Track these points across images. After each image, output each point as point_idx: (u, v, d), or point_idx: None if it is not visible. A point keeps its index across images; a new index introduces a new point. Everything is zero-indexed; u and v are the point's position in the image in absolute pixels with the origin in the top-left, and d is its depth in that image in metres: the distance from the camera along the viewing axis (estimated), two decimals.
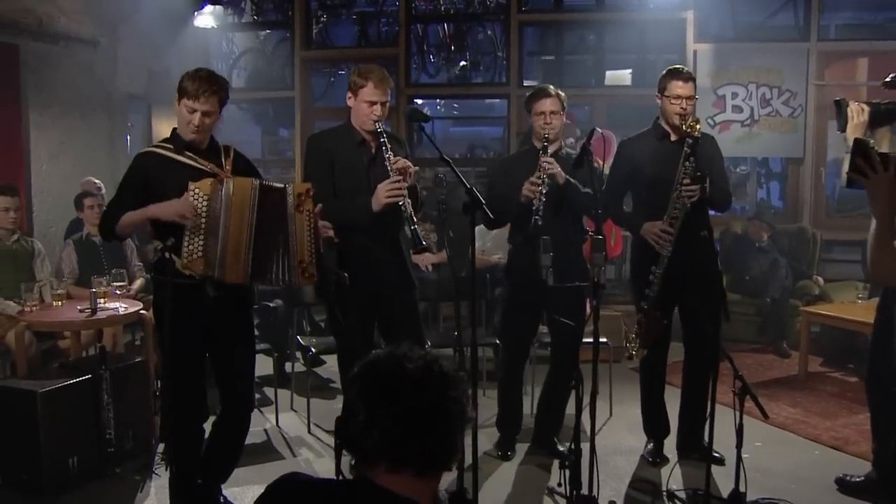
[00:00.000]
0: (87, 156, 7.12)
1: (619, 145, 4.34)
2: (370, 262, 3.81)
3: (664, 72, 4.08)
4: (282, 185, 3.37)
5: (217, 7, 8.16)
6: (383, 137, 3.70)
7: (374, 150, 3.82)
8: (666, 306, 4.05)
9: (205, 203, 3.20)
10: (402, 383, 1.50)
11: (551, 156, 3.99)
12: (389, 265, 3.88)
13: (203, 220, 3.20)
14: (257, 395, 5.36)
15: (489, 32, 8.62)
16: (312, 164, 3.89)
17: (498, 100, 9.69)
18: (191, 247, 3.21)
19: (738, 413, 3.19)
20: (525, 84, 8.31)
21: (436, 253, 6.62)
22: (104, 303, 4.48)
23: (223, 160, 3.40)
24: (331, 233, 3.49)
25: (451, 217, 6.68)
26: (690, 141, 3.87)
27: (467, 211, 3.19)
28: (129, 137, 9.18)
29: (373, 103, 3.72)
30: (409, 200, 3.65)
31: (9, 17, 6.29)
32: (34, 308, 4.47)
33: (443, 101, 12.06)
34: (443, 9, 8.70)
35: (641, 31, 8.13)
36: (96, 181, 6.56)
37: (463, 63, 8.79)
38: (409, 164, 3.74)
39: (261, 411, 5.12)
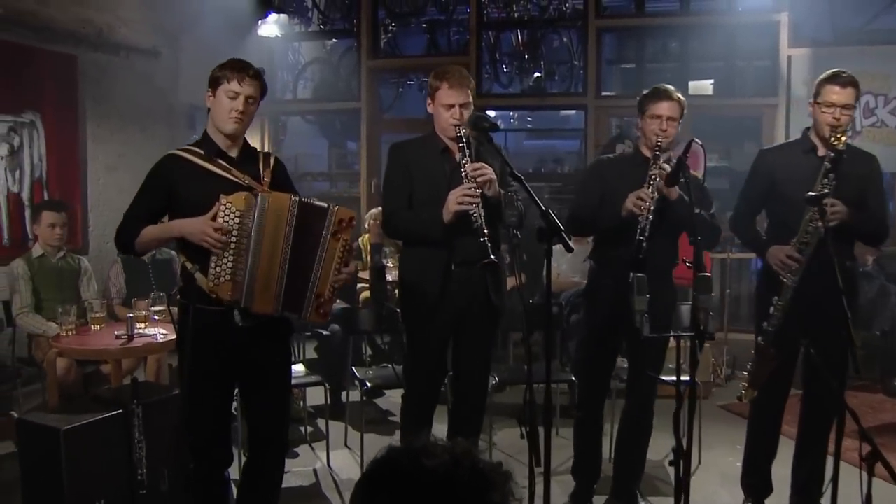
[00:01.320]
0: (145, 169, 6.77)
1: (758, 155, 3.82)
2: (449, 286, 3.46)
3: (821, 77, 3.55)
4: (324, 206, 2.97)
5: (281, 16, 7.88)
6: (463, 142, 3.34)
7: (458, 159, 3.45)
8: (785, 345, 3.49)
9: (237, 220, 2.82)
10: (421, 488, 1.07)
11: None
12: (472, 290, 3.49)
13: (234, 239, 2.82)
14: (309, 429, 4.99)
15: (565, 40, 8.14)
16: (390, 172, 3.64)
17: (574, 111, 9.16)
18: (218, 268, 2.83)
19: (865, 480, 2.64)
20: (603, 94, 7.80)
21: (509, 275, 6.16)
22: (144, 328, 4.16)
23: (261, 169, 3.02)
24: (344, 276, 3.07)
25: (525, 238, 6.26)
26: (833, 155, 3.32)
27: (542, 238, 2.73)
28: None
29: (450, 106, 3.42)
30: (482, 210, 3.27)
31: (68, 28, 6.13)
32: (70, 332, 4.18)
33: (516, 113, 11.63)
34: (516, 15, 8.24)
35: (730, 35, 7.53)
36: None
37: (538, 75, 8.32)
38: (488, 168, 3.33)
39: (311, 447, 4.74)
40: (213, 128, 2.97)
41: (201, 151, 2.95)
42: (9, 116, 5.65)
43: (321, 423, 5.00)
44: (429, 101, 3.54)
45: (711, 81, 7.97)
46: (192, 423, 2.94)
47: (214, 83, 2.94)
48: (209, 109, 2.97)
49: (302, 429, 4.98)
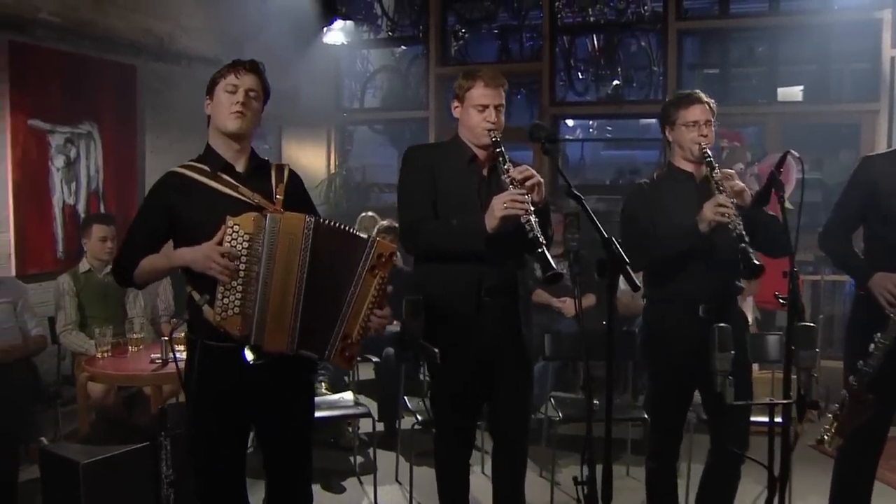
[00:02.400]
0: None
1: (861, 162, 3.33)
2: (478, 323, 3.07)
3: None
4: (363, 237, 2.63)
5: (347, 22, 7.68)
6: (500, 147, 2.95)
7: (486, 171, 3.10)
8: (885, 391, 3.02)
9: (245, 245, 2.48)
10: None
11: (702, 181, 3.15)
12: (506, 321, 3.12)
13: (243, 266, 2.49)
14: (360, 459, 4.69)
15: (643, 44, 7.68)
16: (410, 178, 3.19)
17: (654, 120, 8.65)
18: (226, 300, 2.48)
19: None
20: None
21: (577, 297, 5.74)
22: (183, 351, 3.92)
23: (273, 185, 2.68)
24: (379, 320, 2.71)
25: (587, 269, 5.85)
26: None
27: (604, 272, 2.35)
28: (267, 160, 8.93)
29: (484, 107, 3.04)
30: (534, 218, 2.84)
31: (128, 37, 6.03)
32: (106, 354, 3.98)
33: (595, 122, 11.16)
34: (591, 19, 7.82)
35: (824, 36, 6.95)
36: None
37: (616, 82, 7.88)
38: (534, 172, 2.95)
39: (360, 481, 4.44)
40: (216, 137, 2.66)
41: (206, 168, 2.64)
42: (66, 127, 5.56)
43: (373, 452, 4.69)
44: (454, 104, 3.16)
45: (801, 87, 7.40)
46: (200, 470, 2.66)
47: (211, 87, 2.65)
48: (209, 119, 2.67)
49: (351, 458, 4.69)
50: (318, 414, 4.16)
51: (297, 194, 2.77)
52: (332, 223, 2.62)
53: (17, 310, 4.45)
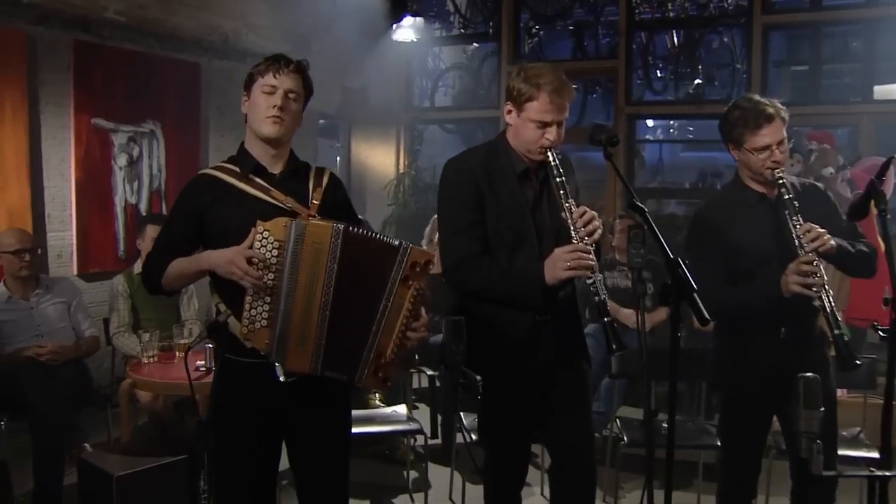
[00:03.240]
0: None
1: None
2: (531, 344, 2.72)
3: None
4: (394, 243, 2.40)
5: (417, 19, 7.47)
6: (557, 172, 2.58)
7: (538, 184, 2.73)
8: None
9: (275, 252, 2.31)
10: None
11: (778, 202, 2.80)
12: (560, 345, 2.77)
13: (272, 275, 2.32)
14: (414, 475, 4.49)
15: (726, 40, 7.25)
16: (453, 201, 2.72)
17: None
18: (254, 311, 2.31)
19: None
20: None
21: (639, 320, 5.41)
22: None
23: (310, 189, 2.50)
24: (418, 334, 2.48)
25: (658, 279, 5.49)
26: None
27: (667, 298, 2.08)
28: (338, 158, 8.85)
29: (545, 124, 2.60)
30: (600, 276, 2.53)
31: (193, 35, 5.97)
32: (152, 359, 3.88)
33: (676, 123, 10.71)
34: (671, 15, 7.44)
35: None
36: None
37: (698, 81, 7.46)
38: (594, 216, 2.59)
39: (412, 499, 4.23)
40: (251, 139, 2.49)
41: (236, 169, 2.47)
42: (129, 126, 5.53)
43: (426, 468, 4.49)
44: (508, 106, 2.69)
45: None
46: (222, 493, 2.49)
47: (248, 83, 2.48)
48: (245, 117, 2.50)
49: (405, 473, 4.49)
50: (368, 429, 4.05)
51: (337, 200, 2.58)
52: (363, 231, 2.40)
53: (70, 310, 4.41)
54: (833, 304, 2.63)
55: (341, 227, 2.35)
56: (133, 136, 5.55)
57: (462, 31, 8.42)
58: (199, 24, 6.03)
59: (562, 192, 2.58)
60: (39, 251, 4.48)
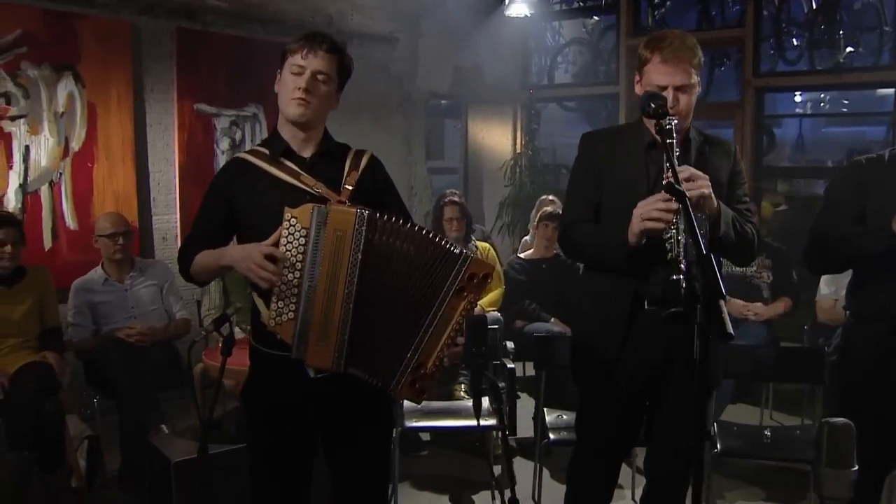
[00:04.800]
0: None
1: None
2: (636, 332, 2.57)
3: None
4: (456, 252, 2.20)
5: None
6: (671, 138, 2.34)
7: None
8: None
9: (302, 241, 2.20)
10: None
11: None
12: (672, 341, 2.54)
13: (298, 272, 2.20)
14: (499, 470, 4.31)
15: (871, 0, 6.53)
16: (576, 172, 2.75)
17: (890, 90, 7.40)
18: (280, 302, 2.21)
19: None
20: None
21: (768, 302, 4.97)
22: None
23: (345, 173, 2.37)
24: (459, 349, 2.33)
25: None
26: None
27: (680, 316, 1.81)
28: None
29: (661, 88, 2.45)
30: (681, 235, 2.28)
31: (297, 18, 5.98)
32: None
33: (827, 96, 9.83)
34: None
35: None
36: None
37: (850, 49, 6.76)
38: (702, 177, 2.38)
39: (493, 496, 4.02)
40: (282, 120, 2.38)
41: (267, 152, 2.37)
42: (231, 111, 5.61)
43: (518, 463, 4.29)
44: (636, 77, 2.61)
45: None
46: (256, 488, 2.42)
47: (282, 60, 2.35)
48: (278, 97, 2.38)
49: (497, 468, 4.33)
50: (441, 423, 3.90)
51: (376, 186, 2.43)
52: (394, 219, 2.22)
53: (163, 293, 4.51)
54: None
55: (366, 212, 2.20)
56: (235, 119, 5.63)
57: (581, 3, 8.05)
58: (303, 7, 6.03)
59: (671, 157, 2.30)
60: (134, 235, 4.60)
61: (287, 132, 2.37)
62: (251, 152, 2.40)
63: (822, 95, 9.92)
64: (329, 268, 2.19)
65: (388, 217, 2.22)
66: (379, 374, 2.27)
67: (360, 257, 2.19)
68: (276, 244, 2.20)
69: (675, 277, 2.20)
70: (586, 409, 2.78)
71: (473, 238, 5.11)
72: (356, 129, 6.44)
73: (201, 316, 4.63)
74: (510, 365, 4.03)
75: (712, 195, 2.38)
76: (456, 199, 4.97)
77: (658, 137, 2.35)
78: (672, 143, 2.33)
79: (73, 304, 4.29)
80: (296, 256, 2.19)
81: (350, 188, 2.33)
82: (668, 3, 7.70)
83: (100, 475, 3.97)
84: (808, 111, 10.27)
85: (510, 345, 4.79)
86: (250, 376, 2.48)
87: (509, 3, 7.21)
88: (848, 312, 2.84)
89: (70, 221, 4.83)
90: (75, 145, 4.84)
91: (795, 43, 7.06)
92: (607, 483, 2.81)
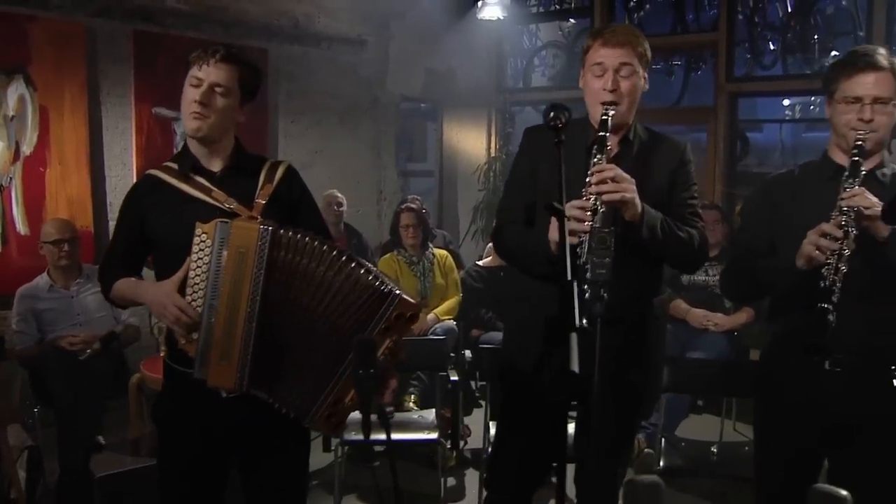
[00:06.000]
0: (344, 165, 6.57)
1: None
2: (559, 358, 2.35)
3: None
4: (384, 288, 2.11)
5: None
6: (605, 130, 2.24)
7: (613, 159, 2.35)
8: None
9: (207, 258, 2.14)
10: None
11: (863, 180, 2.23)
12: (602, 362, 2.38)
13: (203, 283, 2.14)
14: (451, 482, 4.24)
15: (843, 2, 6.46)
16: (513, 169, 2.64)
17: None
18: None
19: None
20: None
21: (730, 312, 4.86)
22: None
23: (258, 186, 2.29)
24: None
25: None
26: None
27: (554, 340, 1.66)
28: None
29: (601, 70, 2.35)
30: (603, 262, 2.08)
31: (261, 21, 5.91)
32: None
33: (817, 100, 9.71)
34: None
35: None
36: (338, 195, 5.92)
37: (836, 54, 6.68)
38: (624, 178, 2.21)
39: None
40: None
41: (177, 168, 2.29)
42: None
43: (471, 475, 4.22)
44: (581, 71, 2.47)
45: None
46: None
47: (187, 70, 2.28)
48: None
49: (450, 479, 4.25)
50: (384, 437, 3.81)
51: (292, 199, 2.36)
52: (306, 238, 2.14)
53: None
54: (837, 279, 2.10)
55: (270, 228, 2.13)
56: None
57: (557, 6, 7.98)
58: (267, 10, 5.97)
59: (599, 151, 2.23)
60: (81, 241, 4.52)
61: (194, 146, 2.30)
62: (162, 168, 2.34)
63: (813, 99, 9.82)
64: (231, 286, 2.12)
65: (294, 234, 2.15)
66: (291, 404, 2.19)
67: (262, 275, 2.13)
68: (186, 278, 2.16)
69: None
70: (502, 430, 2.66)
71: (431, 245, 5.04)
72: (322, 134, 6.40)
73: (151, 324, 4.56)
74: (453, 378, 3.95)
75: (635, 200, 2.23)
76: (413, 205, 4.90)
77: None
78: (604, 136, 2.24)
79: (17, 312, 4.23)
80: (200, 276, 2.14)
81: (262, 202, 2.26)
82: (647, 6, 7.62)
83: (40, 486, 3.89)
84: (798, 115, 10.18)
85: (468, 354, 4.73)
86: (163, 395, 2.42)
87: (482, 6, 7.14)
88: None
89: (21, 227, 4.77)
90: (26, 149, 4.78)
91: (772, 47, 6.99)
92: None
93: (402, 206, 4.91)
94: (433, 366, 4.02)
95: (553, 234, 2.24)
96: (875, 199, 2.15)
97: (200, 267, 2.14)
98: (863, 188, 2.16)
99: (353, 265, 2.13)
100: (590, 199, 2.19)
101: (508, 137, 8.02)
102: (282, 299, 2.14)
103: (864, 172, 2.19)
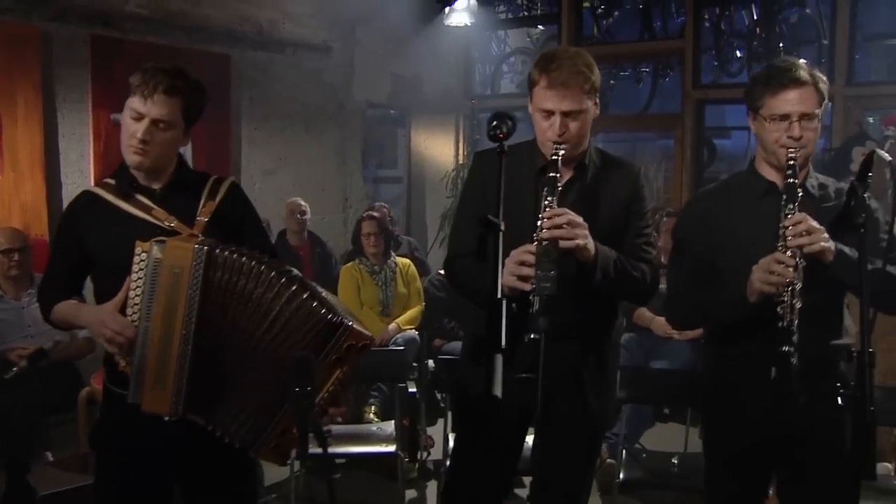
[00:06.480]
0: (309, 172, 6.50)
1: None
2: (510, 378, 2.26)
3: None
4: (335, 320, 2.05)
5: (472, 2, 7.07)
6: (555, 170, 2.18)
7: (563, 189, 2.29)
8: None
9: (142, 279, 2.08)
10: None
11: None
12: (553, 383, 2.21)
13: (138, 304, 2.08)
14: (411, 495, 4.17)
15: (808, 10, 6.49)
16: (464, 195, 2.56)
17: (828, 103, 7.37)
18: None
19: None
20: (858, 82, 6.11)
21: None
22: None
23: (201, 204, 2.23)
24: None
25: None
26: None
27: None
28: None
29: (548, 114, 2.26)
30: (546, 286, 2.03)
31: (224, 26, 5.83)
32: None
33: None
34: None
35: None
36: (302, 203, 5.85)
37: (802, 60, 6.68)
38: (577, 222, 2.16)
39: None
40: None
41: (115, 184, 2.24)
42: None
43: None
44: (529, 99, 2.37)
45: None
46: None
47: (129, 93, 2.19)
48: None
49: (410, 492, 4.19)
50: (343, 449, 3.76)
51: (236, 216, 2.30)
52: (244, 258, 2.07)
53: None
54: (794, 318, 2.06)
55: (205, 248, 2.06)
56: None
57: (526, 13, 7.97)
58: (230, 15, 5.88)
59: (550, 193, 2.18)
60: (34, 250, 4.39)
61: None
62: (101, 185, 2.28)
63: None
64: (165, 307, 2.06)
65: (231, 253, 2.08)
66: (235, 433, 2.12)
67: (198, 296, 2.06)
68: (126, 299, 2.09)
69: (532, 337, 2.00)
70: (459, 444, 2.62)
71: (394, 254, 4.99)
72: (286, 140, 6.32)
73: None
74: (412, 389, 3.89)
75: (588, 245, 2.18)
76: (375, 214, 4.86)
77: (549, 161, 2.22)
78: (555, 176, 2.19)
79: None
80: (141, 296, 2.07)
81: (204, 220, 2.21)
82: (616, 13, 7.63)
83: None
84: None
85: (431, 364, 4.68)
86: (101, 418, 2.35)
87: (449, 12, 7.10)
88: (708, 345, 2.64)
89: None
90: None
91: (738, 55, 7.01)
92: None
93: (364, 215, 4.87)
94: (393, 376, 3.96)
95: (507, 280, 2.10)
96: (817, 225, 2.12)
97: (140, 287, 2.08)
98: (804, 215, 2.13)
99: (295, 288, 2.06)
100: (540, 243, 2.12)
101: (477, 144, 7.99)
102: (219, 321, 2.08)
103: (800, 194, 2.16)
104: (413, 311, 4.80)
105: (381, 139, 9.43)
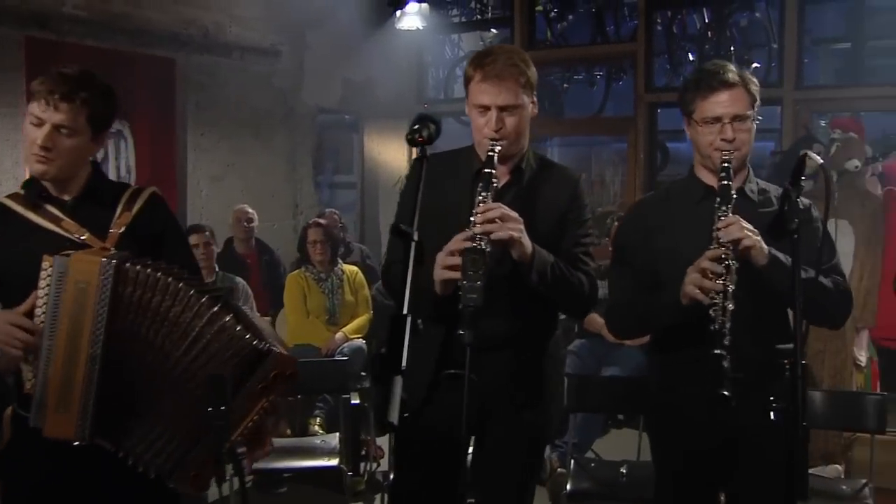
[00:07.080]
0: (257, 178, 6.37)
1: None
2: (451, 391, 2.16)
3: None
4: (262, 346, 1.98)
5: (423, 5, 6.99)
6: (491, 168, 2.14)
7: (499, 191, 2.24)
8: None
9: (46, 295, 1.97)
10: None
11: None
12: (492, 386, 2.22)
13: (41, 322, 1.96)
14: None
15: (757, 14, 6.51)
16: (401, 201, 2.50)
17: (776, 107, 7.40)
18: (28, 364, 1.99)
19: None
20: (807, 85, 6.14)
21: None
22: None
23: (116, 215, 2.14)
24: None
25: None
26: None
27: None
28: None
29: (483, 109, 2.24)
30: (476, 284, 1.97)
31: (168, 30, 5.69)
32: None
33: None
34: None
35: None
36: (249, 210, 5.73)
37: (756, 65, 6.67)
38: (511, 216, 2.12)
39: None
40: None
41: (24, 195, 2.13)
42: None
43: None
44: (466, 100, 2.36)
45: None
46: None
47: (29, 98, 2.10)
48: None
49: None
50: (285, 464, 3.66)
51: (154, 230, 2.20)
52: (159, 273, 1.97)
53: None
54: (726, 320, 2.02)
55: (114, 261, 1.95)
56: None
57: (479, 16, 7.91)
58: (174, 18, 5.74)
59: (484, 188, 2.12)
60: None
61: None
62: (10, 196, 2.17)
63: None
64: (70, 324, 1.95)
65: (143, 267, 1.97)
66: (151, 462, 2.01)
67: (106, 312, 1.95)
68: (33, 307, 1.98)
69: (460, 332, 1.96)
70: (399, 461, 2.52)
71: (341, 261, 4.90)
72: (234, 147, 6.19)
73: None
74: (354, 401, 3.80)
75: (522, 239, 2.12)
76: (322, 221, 4.78)
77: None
78: (490, 172, 2.14)
79: None
80: (47, 312, 1.96)
81: (118, 232, 2.11)
82: (569, 17, 7.60)
83: None
84: None
85: None
86: (7, 445, 2.21)
87: (401, 15, 7.01)
88: (651, 358, 2.62)
89: None
90: None
91: (690, 58, 7.01)
92: None
93: (311, 222, 4.79)
94: (337, 388, 3.86)
95: (438, 273, 2.11)
96: (750, 227, 2.10)
97: (45, 303, 1.97)
98: (736, 216, 2.10)
99: (217, 309, 1.97)
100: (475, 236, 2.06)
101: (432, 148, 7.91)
102: (131, 340, 1.97)
103: (735, 196, 2.14)
104: (360, 320, 4.71)
105: (337, 144, 9.30)
